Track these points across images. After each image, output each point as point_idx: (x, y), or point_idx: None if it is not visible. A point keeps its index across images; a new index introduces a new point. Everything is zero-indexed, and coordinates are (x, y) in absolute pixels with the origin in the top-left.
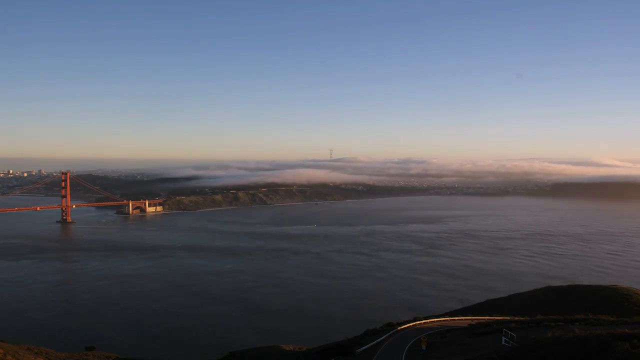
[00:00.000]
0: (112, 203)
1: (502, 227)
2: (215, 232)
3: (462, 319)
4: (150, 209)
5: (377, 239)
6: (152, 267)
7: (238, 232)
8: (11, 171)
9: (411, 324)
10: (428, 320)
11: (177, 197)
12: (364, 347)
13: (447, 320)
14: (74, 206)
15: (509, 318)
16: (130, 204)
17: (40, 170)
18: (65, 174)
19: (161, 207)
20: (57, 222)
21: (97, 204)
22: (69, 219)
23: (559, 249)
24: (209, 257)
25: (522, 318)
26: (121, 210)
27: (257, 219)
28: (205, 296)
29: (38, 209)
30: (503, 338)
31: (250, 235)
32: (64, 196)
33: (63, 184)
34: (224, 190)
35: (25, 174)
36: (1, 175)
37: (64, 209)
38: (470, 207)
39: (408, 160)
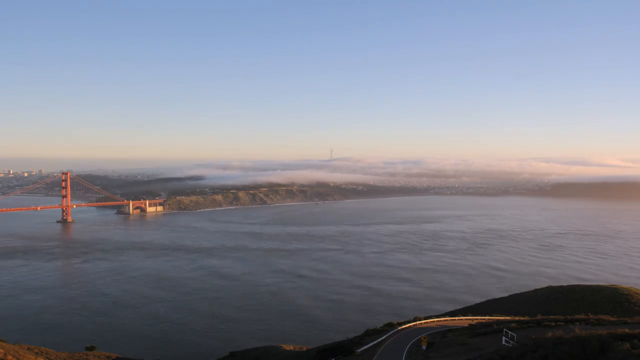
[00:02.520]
0: (112, 203)
1: (526, 227)
2: (223, 232)
3: (462, 319)
4: (150, 209)
5: (410, 239)
6: (151, 268)
7: (263, 233)
8: (11, 171)
9: (411, 324)
10: (428, 320)
11: (178, 197)
12: (364, 347)
13: (448, 320)
14: (75, 206)
15: (509, 318)
16: (131, 204)
17: (40, 170)
18: (66, 173)
19: (161, 207)
20: (57, 221)
21: (98, 204)
22: (70, 219)
23: (604, 246)
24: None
25: (522, 318)
26: (121, 210)
27: (261, 218)
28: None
29: (38, 208)
30: (503, 338)
31: (277, 237)
32: (65, 196)
33: (63, 183)
34: (225, 190)
35: (26, 174)
36: (1, 175)
37: (64, 208)
38: (474, 206)
39: (407, 160)
